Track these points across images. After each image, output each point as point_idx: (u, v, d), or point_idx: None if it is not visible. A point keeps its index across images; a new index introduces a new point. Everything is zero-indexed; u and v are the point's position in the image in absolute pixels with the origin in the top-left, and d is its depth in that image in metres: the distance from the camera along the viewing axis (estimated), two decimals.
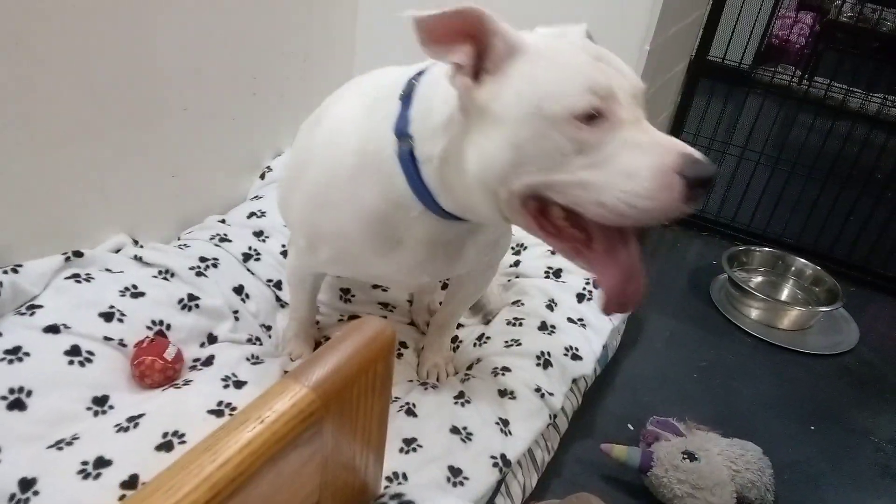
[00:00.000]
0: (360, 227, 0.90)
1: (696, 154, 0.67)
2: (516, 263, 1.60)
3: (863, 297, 1.97)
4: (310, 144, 0.97)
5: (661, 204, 0.66)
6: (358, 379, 0.43)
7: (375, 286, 1.46)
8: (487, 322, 1.43)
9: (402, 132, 0.81)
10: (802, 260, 1.91)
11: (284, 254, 1.43)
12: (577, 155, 0.68)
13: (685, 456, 1.17)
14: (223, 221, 1.50)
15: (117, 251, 1.31)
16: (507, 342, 1.34)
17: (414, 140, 0.80)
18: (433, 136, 0.78)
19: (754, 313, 1.77)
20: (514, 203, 0.74)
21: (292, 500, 0.40)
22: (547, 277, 1.55)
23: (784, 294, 1.89)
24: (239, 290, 1.30)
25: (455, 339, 1.40)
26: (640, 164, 0.66)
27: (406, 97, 0.82)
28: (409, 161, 0.81)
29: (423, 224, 0.88)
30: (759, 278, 1.92)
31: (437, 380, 1.27)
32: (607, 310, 0.76)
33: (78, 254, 1.21)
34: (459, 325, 1.43)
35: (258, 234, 1.47)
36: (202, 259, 1.31)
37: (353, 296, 1.44)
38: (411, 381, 1.26)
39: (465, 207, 0.82)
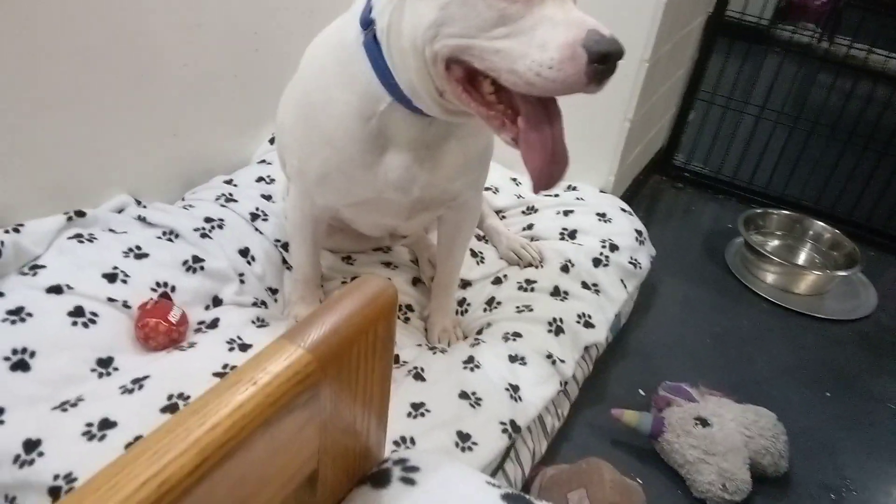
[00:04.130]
0: (342, 129, 0.94)
1: (604, 31, 0.71)
2: (529, 226, 1.57)
3: (882, 262, 1.92)
4: (303, 61, 1.03)
5: (565, 76, 0.71)
6: (357, 340, 0.40)
7: (377, 248, 1.44)
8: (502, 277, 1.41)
9: (366, 20, 0.87)
10: (821, 223, 1.86)
11: None
12: (498, 24, 0.73)
13: (697, 422, 1.15)
14: (230, 182, 1.47)
15: (120, 211, 1.28)
16: (518, 308, 1.32)
17: (375, 23, 0.85)
18: (383, 11, 0.84)
19: (770, 277, 1.73)
20: (439, 67, 0.79)
21: (288, 466, 0.38)
22: (562, 239, 1.52)
23: (801, 258, 1.85)
24: (244, 252, 1.28)
25: (462, 301, 1.38)
26: (552, 37, 0.71)
27: None
28: (372, 47, 0.87)
29: (399, 122, 0.92)
30: (776, 242, 1.88)
31: (448, 345, 1.25)
32: (535, 188, 0.81)
33: (80, 213, 1.19)
34: (467, 284, 1.41)
35: (267, 196, 1.44)
36: (207, 220, 1.29)
37: (355, 260, 1.41)
38: (420, 345, 1.25)
39: (410, 85, 0.85)
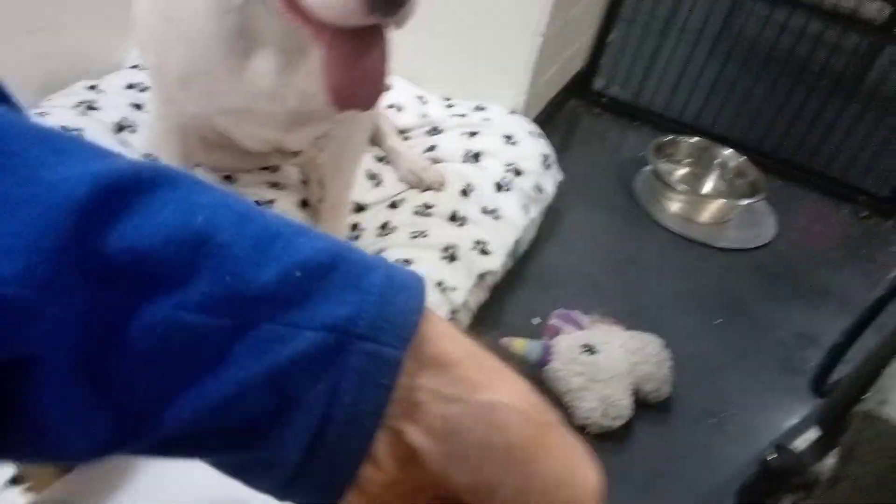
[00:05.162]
0: (199, 23, 0.84)
1: None
2: (432, 147, 1.49)
3: (787, 191, 1.94)
4: None
5: (342, 3, 0.64)
6: None
7: (264, 168, 1.33)
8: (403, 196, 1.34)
9: None
10: (728, 151, 1.85)
11: None
12: None
13: (584, 349, 1.13)
14: (94, 88, 1.31)
15: None
16: (412, 233, 1.26)
17: None
18: None
19: (675, 206, 1.72)
20: None
21: None
22: (465, 161, 1.45)
23: (707, 186, 1.85)
24: None
25: (356, 226, 1.30)
26: None
27: None
28: None
29: (260, 19, 0.82)
30: (684, 170, 1.86)
31: None
32: (333, 106, 0.75)
33: None
34: (362, 208, 1.33)
35: (137, 105, 1.30)
36: (63, 129, 1.15)
37: (237, 179, 1.30)
38: None
39: None
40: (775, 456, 0.70)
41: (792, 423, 1.25)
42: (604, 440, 1.11)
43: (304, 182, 1.35)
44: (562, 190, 1.56)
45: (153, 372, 0.20)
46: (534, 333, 1.26)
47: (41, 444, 0.21)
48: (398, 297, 0.22)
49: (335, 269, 0.22)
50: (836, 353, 0.96)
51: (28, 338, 0.19)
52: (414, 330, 0.22)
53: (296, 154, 1.33)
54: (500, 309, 1.33)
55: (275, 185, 1.31)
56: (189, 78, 0.89)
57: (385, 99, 1.49)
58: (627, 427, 1.13)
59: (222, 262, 0.20)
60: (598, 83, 2.13)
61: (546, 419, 0.24)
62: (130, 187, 0.21)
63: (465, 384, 0.23)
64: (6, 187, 0.20)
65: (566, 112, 2.08)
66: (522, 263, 1.44)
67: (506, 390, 0.23)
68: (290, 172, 1.36)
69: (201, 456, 0.23)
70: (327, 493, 0.23)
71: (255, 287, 0.20)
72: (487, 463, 0.23)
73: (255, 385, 0.21)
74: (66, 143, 0.22)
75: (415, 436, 0.22)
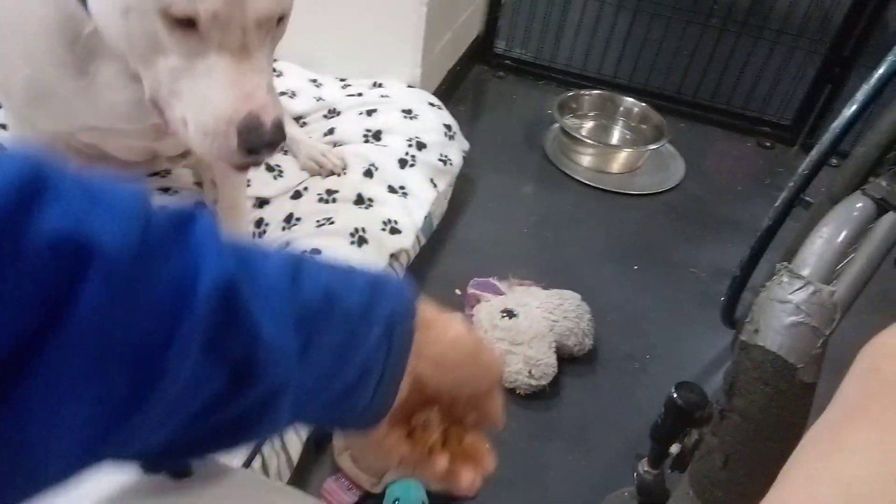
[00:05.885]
0: (43, 48, 0.79)
1: (267, 116, 0.66)
2: (331, 131, 1.45)
3: (691, 132, 1.98)
4: None
5: (218, 149, 0.68)
6: None
7: (153, 173, 1.27)
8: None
9: None
10: (630, 99, 1.87)
11: None
12: (172, 53, 0.66)
13: (504, 314, 1.13)
14: None
15: None
16: (318, 221, 1.22)
17: None
18: None
19: (586, 160, 1.73)
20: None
21: None
22: (366, 141, 1.42)
23: (614, 137, 1.86)
24: None
25: (260, 222, 1.26)
26: (215, 100, 0.66)
27: None
28: None
29: (105, 48, 0.78)
30: (591, 123, 1.88)
31: None
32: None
33: None
34: (265, 202, 1.29)
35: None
36: None
37: None
38: None
39: None
40: (678, 394, 0.71)
41: (712, 356, 1.29)
42: (532, 399, 1.12)
43: (198, 184, 1.30)
44: (472, 157, 1.55)
45: (328, 363, 0.34)
46: (457, 305, 1.25)
47: None
48: (405, 294, 0.37)
49: (378, 288, 0.36)
50: (738, 285, 0.98)
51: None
52: (416, 311, 0.37)
53: (184, 155, 1.27)
54: (421, 286, 1.32)
55: (166, 190, 1.25)
56: (37, 98, 0.84)
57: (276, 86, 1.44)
58: (554, 384, 1.14)
59: (339, 307, 0.34)
60: (499, 46, 2.12)
61: (478, 337, 0.42)
62: (300, 264, 0.34)
63: (439, 331, 0.39)
64: None
65: (471, 79, 2.06)
66: (438, 237, 1.43)
67: (458, 327, 0.40)
68: (183, 175, 1.30)
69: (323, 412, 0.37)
70: (380, 414, 0.38)
71: (354, 312, 0.35)
72: (457, 366, 0.40)
73: (359, 364, 0.35)
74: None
75: (421, 368, 0.38)
